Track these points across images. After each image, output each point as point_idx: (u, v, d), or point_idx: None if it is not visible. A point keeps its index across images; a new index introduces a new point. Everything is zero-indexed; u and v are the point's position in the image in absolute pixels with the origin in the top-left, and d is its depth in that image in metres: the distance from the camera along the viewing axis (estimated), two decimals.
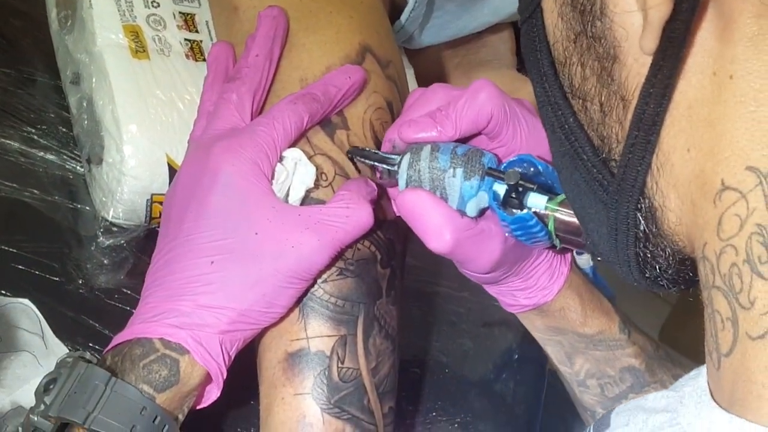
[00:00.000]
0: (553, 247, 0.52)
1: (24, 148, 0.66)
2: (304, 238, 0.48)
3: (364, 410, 0.51)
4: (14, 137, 0.66)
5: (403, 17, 0.73)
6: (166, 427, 0.46)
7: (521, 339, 0.77)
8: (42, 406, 0.45)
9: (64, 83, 0.69)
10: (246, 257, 0.47)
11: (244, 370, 0.51)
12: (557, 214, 0.49)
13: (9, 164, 0.65)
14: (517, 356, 0.77)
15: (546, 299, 0.58)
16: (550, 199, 0.49)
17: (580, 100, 0.37)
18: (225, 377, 0.48)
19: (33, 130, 0.67)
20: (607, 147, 0.36)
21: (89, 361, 0.46)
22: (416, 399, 0.69)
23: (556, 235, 0.49)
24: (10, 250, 0.61)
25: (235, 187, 0.48)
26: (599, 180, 0.37)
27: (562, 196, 0.49)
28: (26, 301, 0.57)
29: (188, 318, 0.47)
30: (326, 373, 0.50)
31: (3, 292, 0.57)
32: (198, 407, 0.49)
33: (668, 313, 2.39)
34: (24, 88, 0.69)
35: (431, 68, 0.86)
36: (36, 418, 0.45)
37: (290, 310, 0.50)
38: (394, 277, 0.54)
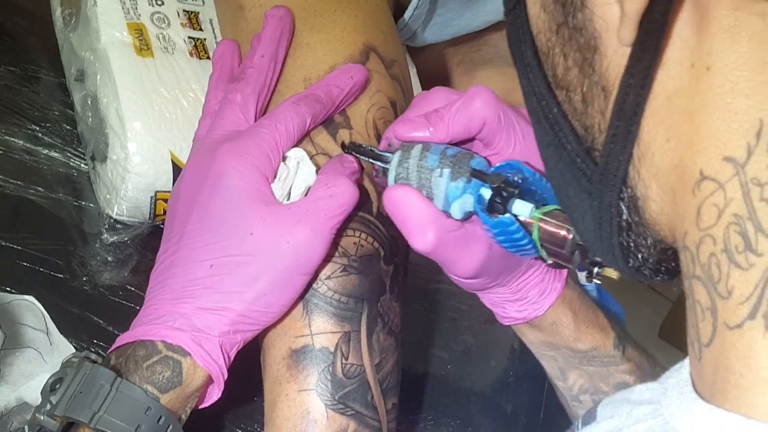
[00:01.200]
0: (543, 260, 0.51)
1: (28, 145, 0.66)
2: (297, 232, 0.48)
3: (367, 406, 0.51)
4: (19, 135, 0.66)
5: (407, 15, 0.73)
6: (170, 427, 0.46)
7: None
8: (48, 406, 0.45)
9: (69, 81, 0.70)
10: (244, 258, 0.48)
11: (248, 367, 0.51)
12: (542, 224, 0.47)
13: (13, 162, 0.65)
14: (518, 353, 0.77)
15: (536, 314, 0.57)
16: (536, 208, 0.48)
17: (564, 91, 0.37)
18: (225, 378, 0.48)
19: (37, 128, 0.67)
20: (590, 137, 0.36)
21: (95, 362, 0.46)
22: (418, 395, 0.69)
23: (542, 246, 0.48)
24: (15, 247, 0.61)
25: (234, 190, 0.48)
26: (583, 169, 0.37)
27: (550, 207, 0.48)
28: (31, 298, 0.57)
29: (189, 320, 0.47)
30: (330, 369, 0.50)
31: (8, 289, 0.57)
32: (200, 407, 0.50)
33: (668, 309, 2.40)
34: (28, 85, 0.69)
35: (433, 66, 0.86)
36: (42, 417, 0.45)
37: (293, 307, 0.51)
38: (397, 274, 0.55)
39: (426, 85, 0.76)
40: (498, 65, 0.86)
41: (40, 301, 0.57)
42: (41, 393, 0.46)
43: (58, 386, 0.45)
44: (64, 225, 0.64)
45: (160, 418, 0.45)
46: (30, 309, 0.57)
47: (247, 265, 0.48)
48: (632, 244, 0.37)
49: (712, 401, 0.31)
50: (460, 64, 0.87)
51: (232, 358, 0.49)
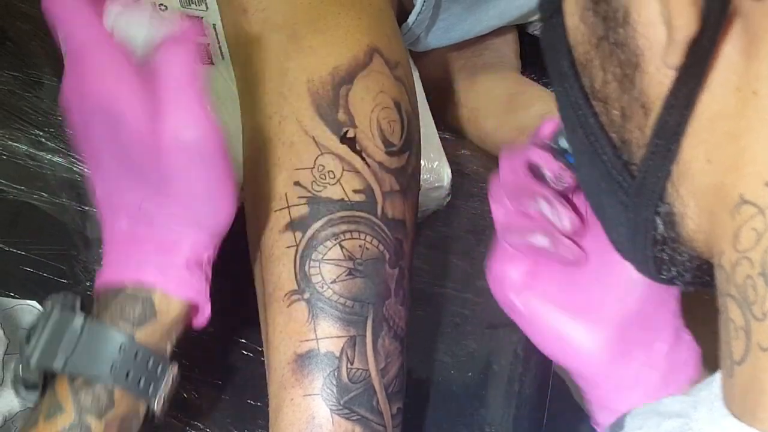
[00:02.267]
0: None
1: (31, 150, 0.66)
2: (183, 130, 0.46)
3: (373, 411, 0.51)
4: (22, 140, 0.66)
5: (410, 20, 0.73)
6: (151, 360, 0.46)
7: (526, 341, 0.77)
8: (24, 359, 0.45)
9: None
10: (149, 174, 0.47)
11: (251, 371, 0.51)
12: None
13: (17, 167, 0.65)
14: (521, 358, 0.77)
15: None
16: None
17: (601, 103, 0.37)
18: (208, 297, 0.48)
19: (41, 133, 0.67)
20: (627, 150, 0.36)
21: (64, 306, 0.46)
22: (422, 400, 0.69)
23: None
24: (18, 252, 0.61)
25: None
26: (619, 182, 0.37)
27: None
28: (34, 303, 0.58)
29: (147, 256, 0.47)
30: (335, 373, 0.50)
31: (11, 294, 0.57)
32: (196, 327, 0.50)
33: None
34: (31, 90, 0.69)
35: (436, 71, 0.86)
36: (21, 373, 0.46)
37: (297, 310, 0.51)
38: (402, 278, 0.55)
39: (429, 90, 0.76)
40: (500, 70, 0.87)
41: (42, 306, 0.57)
42: (19, 346, 0.46)
43: (32, 336, 0.46)
44: (67, 230, 0.64)
45: (137, 353, 0.46)
46: (33, 314, 0.57)
47: (163, 181, 0.47)
48: (667, 258, 0.37)
49: (742, 419, 0.31)
50: (463, 68, 0.87)
51: (209, 276, 0.49)
